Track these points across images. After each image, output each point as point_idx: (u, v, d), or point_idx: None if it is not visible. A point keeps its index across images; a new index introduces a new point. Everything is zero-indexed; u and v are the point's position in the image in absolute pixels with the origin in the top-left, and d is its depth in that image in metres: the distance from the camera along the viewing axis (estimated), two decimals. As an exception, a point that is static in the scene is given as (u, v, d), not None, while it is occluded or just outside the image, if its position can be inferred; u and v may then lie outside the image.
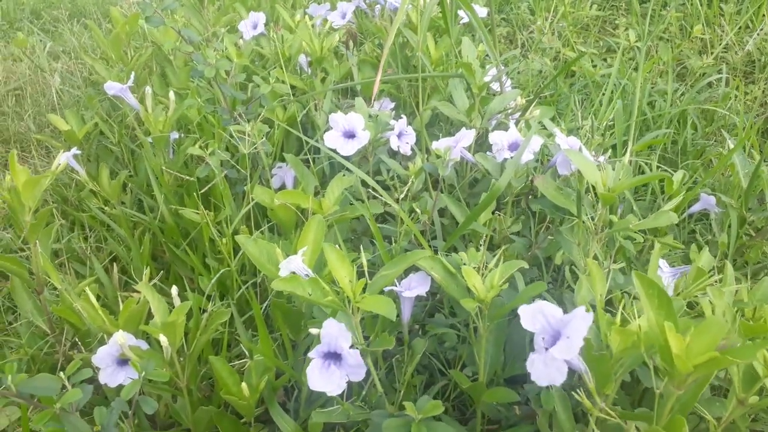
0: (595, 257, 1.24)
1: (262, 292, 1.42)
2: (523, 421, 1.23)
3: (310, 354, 0.87)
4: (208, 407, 1.09)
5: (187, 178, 1.48)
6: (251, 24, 2.03)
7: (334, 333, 0.86)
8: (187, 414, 1.15)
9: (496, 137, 1.29)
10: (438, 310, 1.40)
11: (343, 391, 1.09)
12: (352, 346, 0.86)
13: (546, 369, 0.78)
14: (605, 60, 2.98)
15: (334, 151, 1.38)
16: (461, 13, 2.12)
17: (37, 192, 1.28)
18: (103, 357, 1.07)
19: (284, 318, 1.22)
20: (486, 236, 1.23)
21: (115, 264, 1.55)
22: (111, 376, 1.06)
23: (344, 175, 1.42)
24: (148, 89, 1.57)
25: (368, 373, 1.17)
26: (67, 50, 2.95)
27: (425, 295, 1.31)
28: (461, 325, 1.31)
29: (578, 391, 0.91)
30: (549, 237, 1.43)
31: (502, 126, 1.54)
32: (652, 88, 2.56)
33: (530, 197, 1.36)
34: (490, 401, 1.15)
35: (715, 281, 1.07)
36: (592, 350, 0.80)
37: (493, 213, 1.47)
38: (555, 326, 0.81)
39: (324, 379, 0.86)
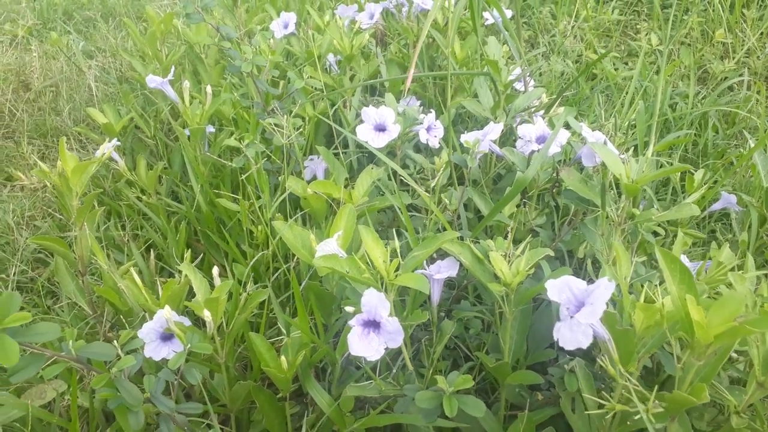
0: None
1: (295, 277, 1.48)
2: (546, 405, 1.27)
3: (351, 322, 0.93)
4: (245, 382, 1.15)
5: (227, 164, 1.54)
6: (282, 23, 2.10)
7: (374, 302, 0.91)
8: (224, 390, 1.20)
9: (524, 130, 1.34)
10: (464, 298, 1.44)
11: (376, 366, 1.14)
12: (390, 315, 0.91)
13: (572, 333, 0.83)
14: (626, 64, 3.02)
15: (364, 143, 1.44)
16: (485, 14, 2.17)
17: (85, 177, 1.35)
18: (147, 332, 1.13)
19: (317, 301, 1.28)
20: (511, 228, 1.28)
21: (151, 251, 1.62)
22: (155, 351, 1.12)
23: (373, 169, 1.48)
24: (186, 83, 1.64)
25: (399, 351, 1.22)
26: (101, 48, 3.04)
27: (453, 279, 1.36)
28: (487, 311, 1.36)
29: (601, 371, 0.95)
30: (572, 231, 1.48)
31: (527, 123, 1.59)
32: (674, 91, 2.59)
33: (555, 190, 1.41)
34: (514, 383, 1.19)
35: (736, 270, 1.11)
36: (616, 325, 0.84)
37: (517, 207, 1.52)
38: (579, 297, 0.85)
39: (364, 345, 0.91)
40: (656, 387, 0.87)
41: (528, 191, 1.49)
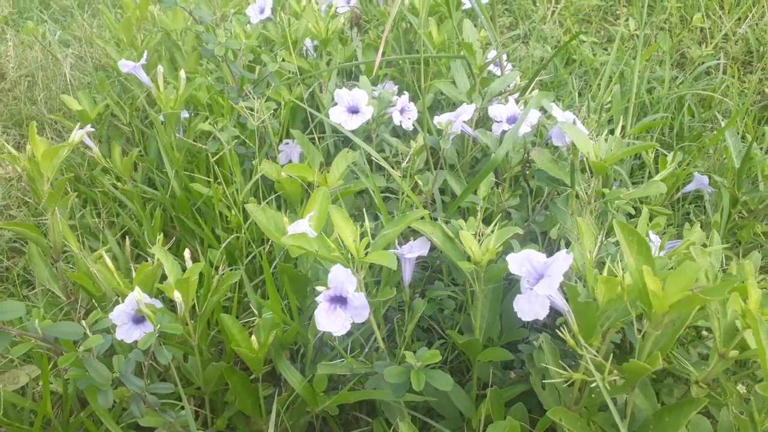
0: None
1: (269, 261, 1.48)
2: (519, 383, 1.29)
3: (318, 298, 0.93)
4: (218, 364, 1.15)
5: (202, 147, 1.54)
6: (259, 8, 2.08)
7: (341, 278, 0.92)
8: (198, 372, 1.21)
9: (495, 110, 1.35)
10: (438, 279, 1.45)
11: (348, 346, 1.15)
12: (356, 290, 0.92)
13: (530, 305, 0.85)
14: (605, 49, 3.03)
15: (337, 125, 1.44)
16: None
17: (56, 162, 1.34)
18: (119, 315, 1.13)
19: (290, 282, 1.28)
20: (481, 207, 1.29)
21: (127, 238, 1.61)
22: (127, 333, 1.12)
23: (348, 152, 1.48)
24: (160, 68, 1.63)
25: (372, 332, 1.23)
26: (77, 37, 3.01)
27: (427, 260, 1.37)
28: (459, 291, 1.37)
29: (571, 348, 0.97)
30: (545, 212, 1.49)
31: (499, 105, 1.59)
32: (651, 75, 2.61)
33: (527, 172, 1.42)
34: (486, 360, 1.20)
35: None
36: (578, 297, 0.86)
37: (491, 189, 1.52)
38: (539, 270, 0.87)
39: (330, 320, 0.92)
40: (611, 357, 0.88)
41: (502, 173, 1.50)
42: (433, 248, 1.25)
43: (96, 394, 0.96)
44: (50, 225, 1.37)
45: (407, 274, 1.19)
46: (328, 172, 1.47)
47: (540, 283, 0.84)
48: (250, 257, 1.44)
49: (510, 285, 1.41)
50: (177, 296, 1.05)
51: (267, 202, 1.49)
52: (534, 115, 1.30)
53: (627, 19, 3.15)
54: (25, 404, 1.18)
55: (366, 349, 1.18)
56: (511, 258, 0.90)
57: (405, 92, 1.53)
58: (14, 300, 1.60)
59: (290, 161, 1.69)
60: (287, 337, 1.15)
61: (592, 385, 0.86)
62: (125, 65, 1.64)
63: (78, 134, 1.44)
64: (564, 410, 0.96)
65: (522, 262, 0.89)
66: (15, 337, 0.88)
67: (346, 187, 1.48)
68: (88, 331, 0.93)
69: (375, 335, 1.21)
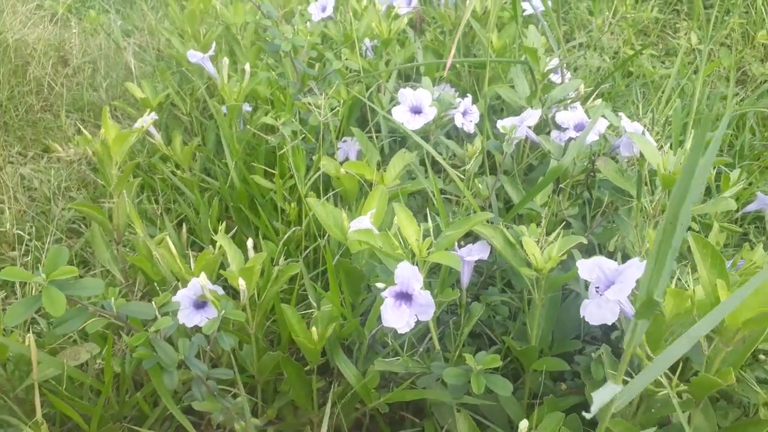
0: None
1: (324, 256, 1.49)
2: (569, 394, 1.27)
3: (384, 293, 0.94)
4: (274, 353, 1.17)
5: (267, 138, 1.56)
6: (320, 7, 2.11)
7: (408, 274, 0.92)
8: (252, 361, 1.22)
9: (563, 116, 1.34)
10: (492, 285, 1.45)
11: (402, 345, 1.15)
12: (422, 288, 0.92)
13: (599, 310, 0.84)
14: (663, 63, 2.98)
15: (400, 125, 1.44)
16: (523, 4, 2.16)
17: (125, 147, 1.37)
18: (181, 299, 1.15)
19: (346, 278, 1.29)
20: (545, 215, 1.28)
21: (183, 225, 1.65)
22: (188, 317, 1.14)
23: (405, 153, 1.48)
24: (225, 60, 1.66)
25: (425, 333, 1.23)
26: (139, 27, 3.09)
27: (482, 266, 1.36)
28: (515, 298, 1.36)
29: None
30: (605, 224, 1.47)
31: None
32: (712, 91, 2.55)
33: (589, 181, 1.40)
34: (540, 369, 1.19)
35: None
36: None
37: (549, 197, 1.51)
38: (610, 277, 0.86)
39: (395, 316, 0.92)
40: (679, 370, 0.87)
41: (561, 181, 1.48)
42: (491, 251, 1.25)
43: (160, 375, 0.98)
44: (115, 207, 1.41)
45: (465, 277, 1.19)
46: (384, 171, 1.48)
47: (612, 289, 0.83)
48: (306, 251, 1.46)
49: (564, 296, 1.40)
50: (241, 283, 1.06)
51: (325, 199, 1.51)
52: (602, 124, 1.28)
53: (687, 33, 3.09)
54: (86, 380, 1.21)
55: (420, 348, 1.18)
56: (581, 263, 0.90)
57: (467, 95, 1.53)
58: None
59: (347, 158, 1.70)
60: (345, 331, 1.16)
61: (659, 394, 0.84)
62: (194, 55, 1.68)
63: (147, 120, 1.48)
64: (626, 423, 0.94)
65: (592, 268, 0.89)
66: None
67: (402, 187, 1.48)
68: (157, 313, 0.95)
69: (428, 336, 1.21)
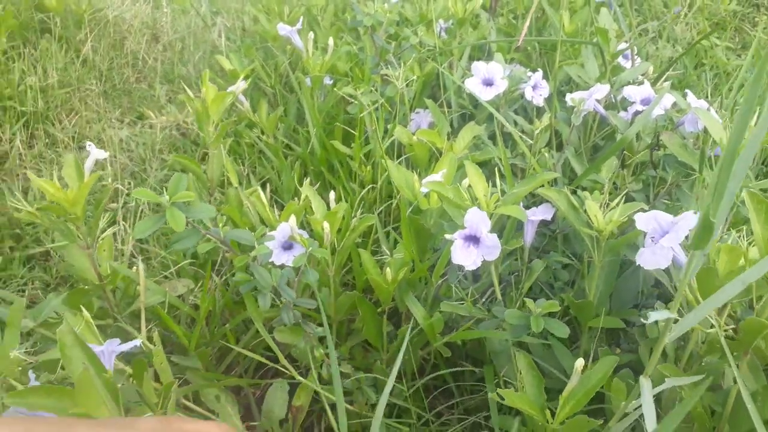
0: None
1: (397, 215, 1.61)
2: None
3: (454, 236, 1.04)
4: (351, 293, 1.29)
5: (351, 101, 1.68)
6: (399, -11, 2.22)
7: (476, 219, 1.02)
8: (329, 302, 1.35)
9: (629, 90, 1.40)
10: (553, 250, 1.53)
11: (468, 291, 1.26)
12: (489, 232, 1.02)
13: (653, 256, 0.92)
14: (739, 56, 2.94)
15: (473, 94, 1.54)
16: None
17: (222, 107, 1.52)
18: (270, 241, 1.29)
19: (416, 235, 1.40)
20: (608, 181, 1.35)
21: (267, 185, 1.80)
22: (277, 257, 1.27)
23: (473, 125, 1.58)
24: (311, 34, 1.80)
25: (487, 287, 1.33)
26: (226, 8, 3.28)
27: (545, 230, 1.44)
28: (575, 262, 1.44)
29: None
30: (666, 200, 1.52)
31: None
32: (786, 84, 2.52)
33: (653, 154, 1.46)
34: (596, 326, 1.27)
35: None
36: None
37: (613, 173, 1.57)
38: (665, 228, 0.94)
39: (464, 254, 1.03)
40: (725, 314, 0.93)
41: (627, 157, 1.54)
42: (555, 213, 1.33)
43: (253, 302, 1.12)
44: (210, 160, 1.56)
45: (529, 236, 1.28)
46: (454, 141, 1.58)
47: (666, 236, 0.91)
48: (379, 210, 1.58)
49: (623, 270, 1.46)
50: (326, 226, 1.19)
51: (399, 163, 1.63)
52: (668, 99, 1.34)
53: (766, 27, 3.04)
54: (184, 308, 1.37)
55: (483, 299, 1.28)
56: (639, 216, 0.98)
57: (539, 69, 1.61)
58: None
59: (419, 129, 1.81)
60: (415, 275, 1.27)
61: (709, 330, 0.91)
62: (283, 28, 1.83)
63: (241, 85, 1.63)
64: (674, 368, 1.01)
65: (649, 220, 0.97)
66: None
67: (471, 155, 1.58)
68: (255, 243, 1.09)
69: (490, 289, 1.31)
